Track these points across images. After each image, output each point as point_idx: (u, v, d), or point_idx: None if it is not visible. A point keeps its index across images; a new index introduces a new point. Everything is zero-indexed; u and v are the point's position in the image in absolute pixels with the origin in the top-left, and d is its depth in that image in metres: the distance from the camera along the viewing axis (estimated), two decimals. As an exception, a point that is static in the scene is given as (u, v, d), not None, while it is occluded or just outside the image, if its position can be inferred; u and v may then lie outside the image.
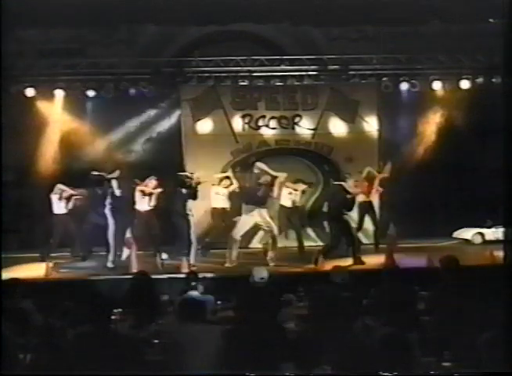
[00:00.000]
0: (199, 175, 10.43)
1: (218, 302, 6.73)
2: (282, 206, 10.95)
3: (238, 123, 12.43)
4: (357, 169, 11.66)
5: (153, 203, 10.47)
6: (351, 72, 12.23)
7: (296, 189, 11.19)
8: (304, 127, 12.47)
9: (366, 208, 11.28)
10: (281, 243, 10.87)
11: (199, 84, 12.35)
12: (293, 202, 11.20)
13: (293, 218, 11.24)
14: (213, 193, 11.20)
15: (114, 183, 10.32)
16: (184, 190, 10.70)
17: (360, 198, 10.99)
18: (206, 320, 5.29)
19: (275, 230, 10.26)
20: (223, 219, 11.17)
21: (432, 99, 12.25)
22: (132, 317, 6.00)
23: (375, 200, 11.41)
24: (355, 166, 11.99)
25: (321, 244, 11.91)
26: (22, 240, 11.81)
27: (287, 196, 11.05)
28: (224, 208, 11.22)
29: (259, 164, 10.78)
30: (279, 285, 6.80)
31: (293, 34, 12.36)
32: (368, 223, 11.64)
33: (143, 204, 10.44)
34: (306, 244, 11.38)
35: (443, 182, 12.21)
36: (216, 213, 11.22)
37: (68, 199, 10.84)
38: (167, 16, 10.52)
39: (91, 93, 11.98)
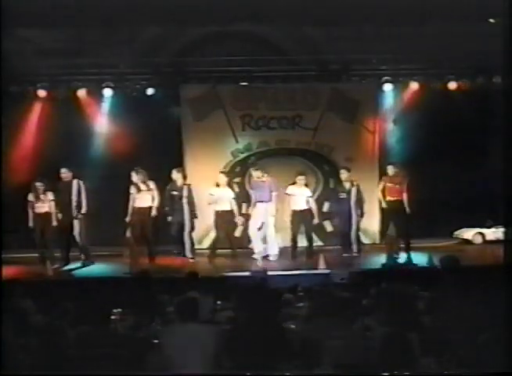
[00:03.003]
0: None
1: (218, 302, 6.74)
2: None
3: (238, 123, 12.43)
4: (357, 169, 11.65)
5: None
6: (351, 72, 12.24)
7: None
8: (305, 127, 12.47)
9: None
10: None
11: (199, 85, 12.35)
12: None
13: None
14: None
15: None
16: (174, 192, 10.82)
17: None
18: (206, 320, 5.30)
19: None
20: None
21: (432, 99, 12.23)
22: (132, 317, 6.01)
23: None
24: (355, 166, 11.99)
25: (321, 244, 11.93)
26: (22, 240, 11.79)
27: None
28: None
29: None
30: (279, 285, 6.81)
31: (293, 34, 12.36)
32: (369, 223, 11.67)
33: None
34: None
35: (443, 182, 12.20)
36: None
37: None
38: (167, 16, 10.51)
39: (91, 93, 11.99)
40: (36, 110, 12.01)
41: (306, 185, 11.12)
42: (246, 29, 12.03)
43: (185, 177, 11.03)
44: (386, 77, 12.16)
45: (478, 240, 11.96)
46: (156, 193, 10.67)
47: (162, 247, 11.02)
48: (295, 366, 4.60)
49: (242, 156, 12.43)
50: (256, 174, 11.08)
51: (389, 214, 10.77)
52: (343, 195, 10.90)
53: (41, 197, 10.54)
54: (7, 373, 4.50)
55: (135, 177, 10.61)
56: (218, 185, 11.08)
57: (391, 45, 11.59)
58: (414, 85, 12.20)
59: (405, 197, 10.58)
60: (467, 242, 11.98)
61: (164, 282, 7.73)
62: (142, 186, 10.59)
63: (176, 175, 10.93)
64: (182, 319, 5.16)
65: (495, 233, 11.64)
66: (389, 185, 10.66)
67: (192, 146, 12.24)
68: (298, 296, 6.85)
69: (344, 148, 12.37)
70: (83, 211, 10.63)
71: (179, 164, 11.82)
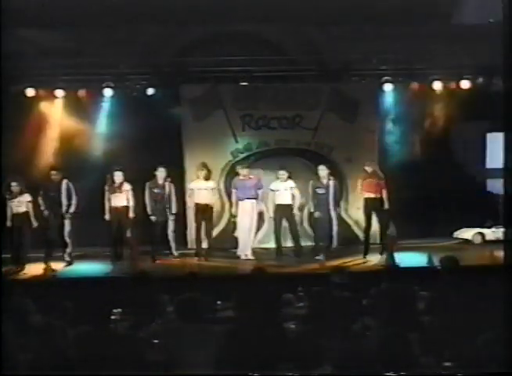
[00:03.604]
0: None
1: (218, 302, 6.74)
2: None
3: (238, 123, 12.42)
4: (357, 169, 11.65)
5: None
6: (351, 72, 12.23)
7: None
8: (305, 127, 12.47)
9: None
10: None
11: (199, 85, 12.35)
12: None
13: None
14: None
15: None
16: (156, 190, 10.86)
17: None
18: (206, 320, 5.29)
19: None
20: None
21: (432, 99, 12.24)
22: (132, 317, 6.01)
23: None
24: (355, 166, 11.99)
25: (321, 243, 11.92)
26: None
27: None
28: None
29: None
30: (279, 285, 6.80)
31: (293, 34, 12.35)
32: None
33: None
34: (306, 243, 11.44)
35: (443, 182, 12.20)
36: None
37: None
38: (167, 16, 10.52)
39: (91, 93, 11.99)
40: (36, 110, 12.00)
41: (290, 177, 11.21)
42: (247, 29, 12.03)
43: (167, 175, 11.06)
44: (386, 77, 12.15)
45: (478, 240, 11.95)
46: (130, 195, 10.78)
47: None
48: (295, 366, 4.60)
49: (242, 156, 12.42)
50: (243, 172, 11.17)
51: (368, 211, 11.08)
52: (321, 190, 10.97)
53: (18, 196, 10.55)
54: (7, 373, 4.50)
55: (115, 176, 10.78)
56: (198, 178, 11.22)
57: (391, 45, 11.59)
58: (414, 85, 12.20)
59: (384, 194, 10.88)
60: (467, 242, 11.97)
61: (164, 282, 7.73)
62: (117, 187, 10.74)
63: (160, 173, 10.96)
64: (182, 319, 5.16)
65: (495, 233, 11.64)
66: (367, 181, 10.97)
67: (192, 146, 12.23)
68: (298, 296, 6.85)
69: (344, 148, 12.36)
70: (71, 210, 10.70)
71: (179, 164, 11.84)
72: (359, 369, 4.35)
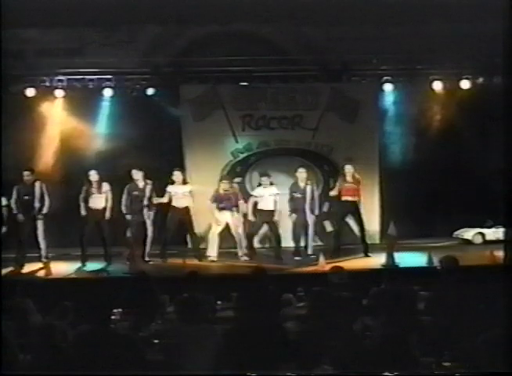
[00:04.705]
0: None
1: (218, 302, 6.75)
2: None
3: (238, 123, 12.42)
4: (357, 169, 11.65)
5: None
6: (351, 72, 12.24)
7: None
8: (305, 127, 12.47)
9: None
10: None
11: (199, 85, 12.35)
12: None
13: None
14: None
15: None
16: (135, 192, 10.83)
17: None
18: (206, 320, 5.29)
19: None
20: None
21: (432, 99, 12.24)
22: (132, 317, 6.01)
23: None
24: (355, 166, 11.98)
25: (320, 243, 11.94)
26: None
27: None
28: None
29: None
30: (278, 285, 6.81)
31: (293, 34, 12.36)
32: (368, 223, 11.65)
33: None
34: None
35: (443, 182, 12.21)
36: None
37: None
38: (167, 15, 10.52)
39: (91, 93, 11.99)
40: (36, 109, 12.00)
41: (271, 183, 11.18)
42: (246, 29, 12.03)
43: (147, 177, 10.97)
44: (386, 77, 12.15)
45: (478, 240, 11.94)
46: (109, 196, 10.77)
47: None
48: (295, 366, 4.60)
49: (242, 156, 12.43)
50: (223, 186, 11.10)
51: (345, 214, 11.18)
52: (298, 194, 10.93)
53: None
54: (7, 373, 4.50)
55: (92, 176, 10.77)
56: (173, 182, 11.09)
57: (391, 45, 11.60)
58: (414, 85, 12.20)
59: (361, 197, 11.08)
60: (467, 242, 11.97)
61: (164, 282, 7.74)
62: (94, 188, 10.73)
63: (137, 175, 10.92)
64: (182, 319, 5.17)
65: (495, 233, 11.64)
66: (346, 185, 11.03)
67: (192, 146, 12.23)
68: (298, 296, 6.86)
69: (344, 148, 12.34)
70: (44, 211, 10.64)
71: (179, 165, 11.82)
72: (359, 369, 4.36)
